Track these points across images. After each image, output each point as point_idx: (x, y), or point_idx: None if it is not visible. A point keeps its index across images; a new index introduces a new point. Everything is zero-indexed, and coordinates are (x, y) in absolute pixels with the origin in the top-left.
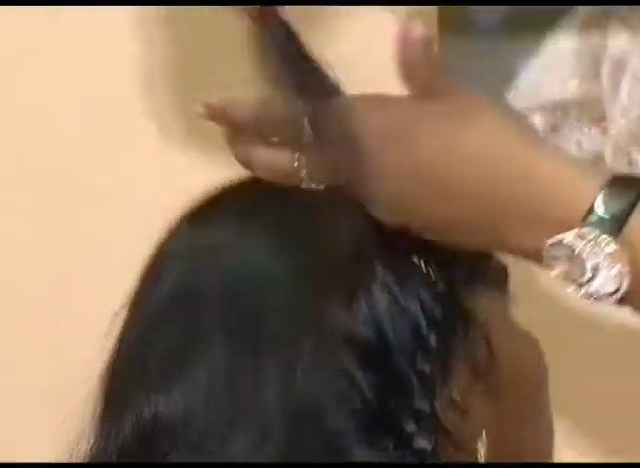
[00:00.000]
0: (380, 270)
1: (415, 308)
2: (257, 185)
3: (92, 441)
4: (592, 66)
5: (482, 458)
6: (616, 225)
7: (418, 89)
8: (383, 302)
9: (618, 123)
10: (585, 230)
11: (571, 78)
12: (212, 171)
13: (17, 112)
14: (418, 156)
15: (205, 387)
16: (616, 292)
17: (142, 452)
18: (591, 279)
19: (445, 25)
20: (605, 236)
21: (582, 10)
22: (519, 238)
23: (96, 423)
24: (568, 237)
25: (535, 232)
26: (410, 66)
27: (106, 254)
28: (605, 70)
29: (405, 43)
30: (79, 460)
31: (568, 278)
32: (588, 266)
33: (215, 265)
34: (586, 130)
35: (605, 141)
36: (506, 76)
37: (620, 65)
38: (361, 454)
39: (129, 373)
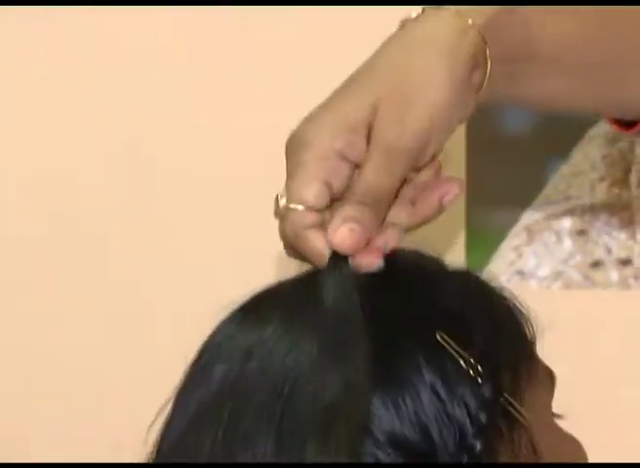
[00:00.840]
0: (427, 373)
1: (461, 413)
2: (301, 285)
3: None
4: (621, 172)
5: None
6: None
7: None
8: (430, 406)
9: None
10: None
11: (600, 182)
12: None
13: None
14: None
15: None
16: None
17: None
18: None
19: (473, 133)
20: None
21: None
22: None
23: None
24: None
25: None
26: None
27: None
28: (634, 178)
29: None
30: None
31: None
32: None
33: (260, 364)
34: (615, 234)
35: (634, 245)
36: (535, 183)
37: None
38: None
39: None
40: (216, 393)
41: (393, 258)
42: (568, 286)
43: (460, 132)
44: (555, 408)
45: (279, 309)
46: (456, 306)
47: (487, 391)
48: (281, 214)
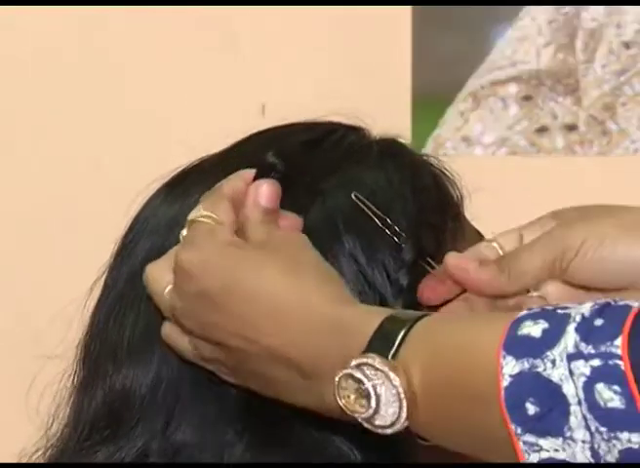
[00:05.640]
0: (347, 239)
1: (380, 278)
2: (225, 162)
3: (68, 410)
4: (567, 37)
5: None
6: (388, 355)
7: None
8: (349, 272)
9: (591, 94)
10: (363, 359)
11: (545, 48)
12: None
13: None
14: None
15: (175, 362)
16: (399, 418)
17: (113, 422)
18: (377, 410)
19: None
20: (381, 362)
21: None
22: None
23: (71, 395)
24: (350, 369)
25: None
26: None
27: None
28: (579, 42)
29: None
30: (56, 427)
31: (354, 408)
32: (371, 391)
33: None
34: (560, 100)
35: (579, 111)
36: (481, 48)
37: (594, 37)
38: None
39: (101, 347)
40: (139, 269)
41: (316, 127)
42: (513, 152)
43: None
44: None
45: (202, 184)
46: (376, 173)
47: (407, 253)
48: None
